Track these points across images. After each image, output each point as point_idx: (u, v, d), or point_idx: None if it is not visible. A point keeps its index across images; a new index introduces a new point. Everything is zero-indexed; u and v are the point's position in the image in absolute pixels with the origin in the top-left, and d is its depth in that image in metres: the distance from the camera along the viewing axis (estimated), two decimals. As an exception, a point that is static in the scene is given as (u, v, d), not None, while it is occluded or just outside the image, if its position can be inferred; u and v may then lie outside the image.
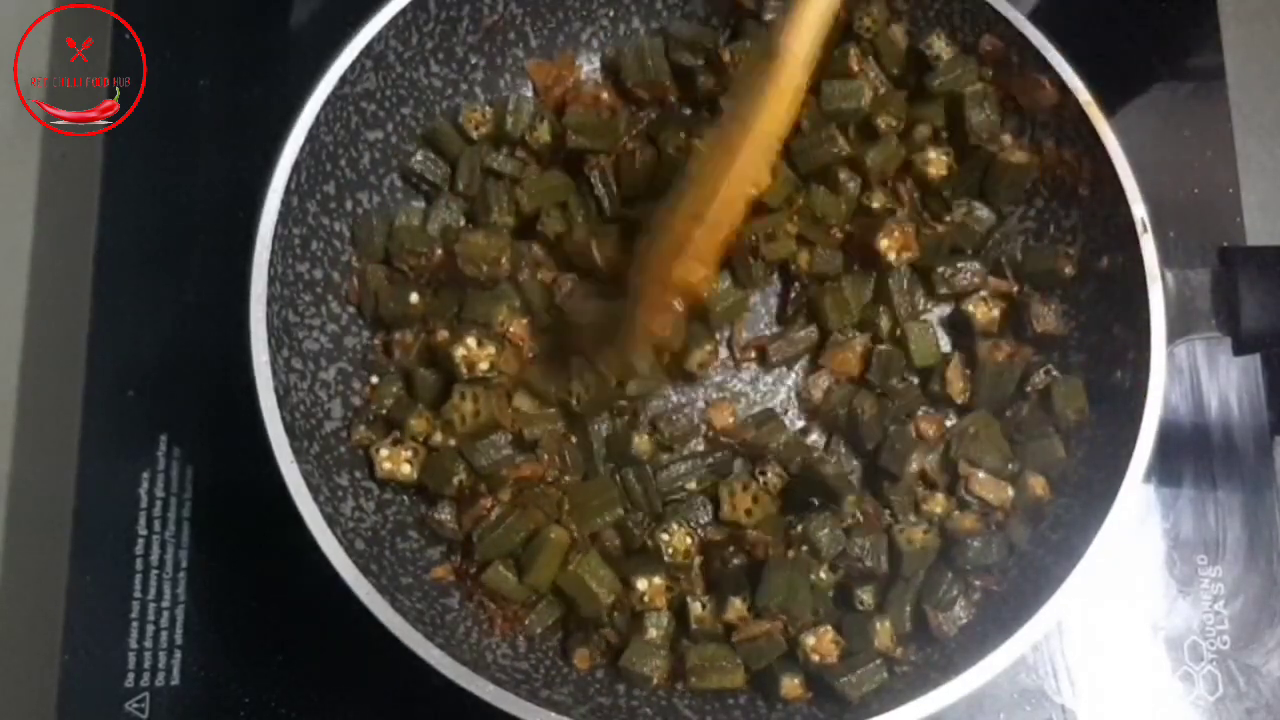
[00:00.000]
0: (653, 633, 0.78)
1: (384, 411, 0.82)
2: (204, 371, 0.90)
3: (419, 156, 0.88)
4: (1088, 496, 0.77)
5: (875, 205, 0.86)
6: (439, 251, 0.84)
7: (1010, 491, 0.81)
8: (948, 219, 0.87)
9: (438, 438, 0.81)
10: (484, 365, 0.80)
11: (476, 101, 0.91)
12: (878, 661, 0.75)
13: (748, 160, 0.71)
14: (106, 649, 0.84)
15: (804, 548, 0.78)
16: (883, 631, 0.77)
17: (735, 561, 0.79)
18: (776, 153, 0.74)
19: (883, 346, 0.84)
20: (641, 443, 0.81)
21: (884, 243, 0.84)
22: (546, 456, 0.81)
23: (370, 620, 0.71)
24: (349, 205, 0.85)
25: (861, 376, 0.84)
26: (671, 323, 0.75)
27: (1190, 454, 0.90)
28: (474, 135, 0.89)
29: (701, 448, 0.84)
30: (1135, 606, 0.87)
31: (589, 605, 0.77)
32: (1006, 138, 0.87)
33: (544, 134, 0.88)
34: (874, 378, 0.84)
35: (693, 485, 0.82)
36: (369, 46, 0.82)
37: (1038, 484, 0.80)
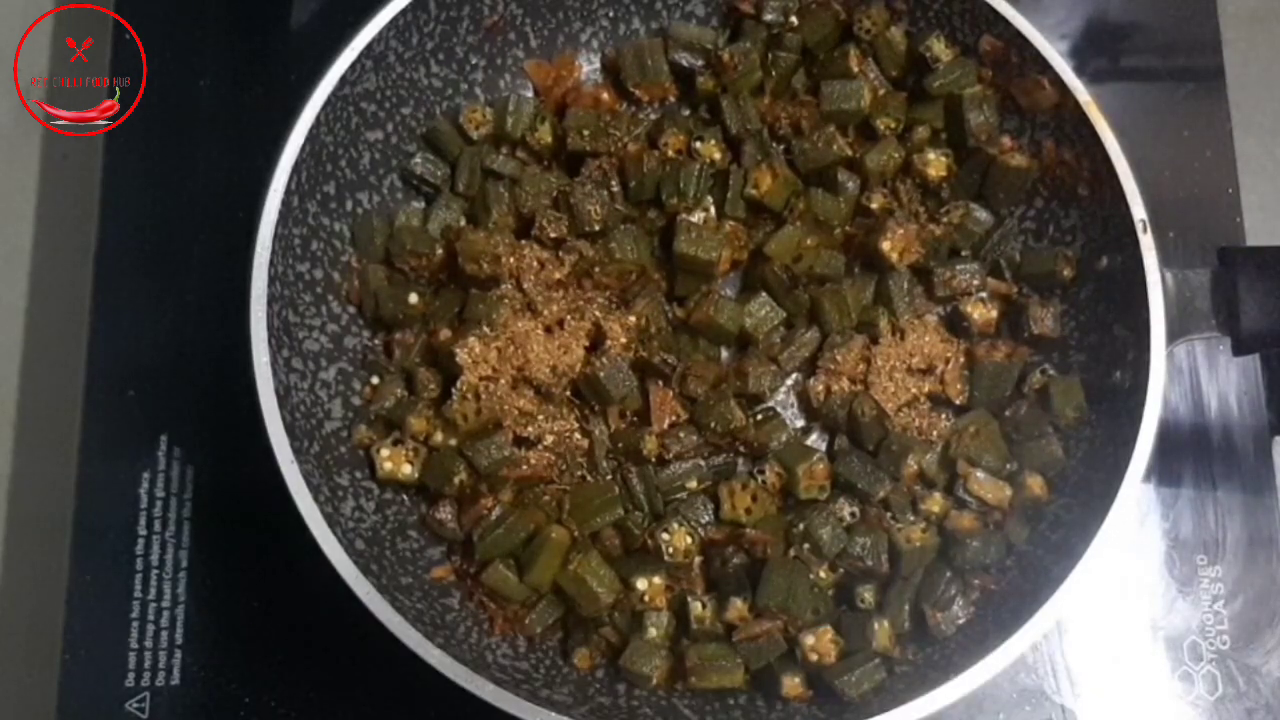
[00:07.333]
0: (653, 632, 0.78)
1: (384, 411, 0.82)
2: (204, 371, 0.90)
3: (419, 157, 0.88)
4: (1087, 496, 0.77)
5: (875, 206, 0.86)
6: (439, 251, 0.84)
7: (1008, 491, 0.81)
8: (945, 220, 0.87)
9: (438, 438, 0.81)
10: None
11: (476, 101, 0.91)
12: (876, 661, 0.75)
13: None
14: (106, 649, 0.85)
15: (805, 546, 0.78)
16: (882, 631, 0.77)
17: (735, 561, 0.79)
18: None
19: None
20: (650, 443, 0.81)
21: (886, 244, 0.84)
22: (548, 456, 0.81)
23: (370, 620, 0.71)
24: (349, 205, 0.85)
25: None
26: None
27: (1190, 454, 0.90)
28: (474, 135, 0.89)
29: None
30: (1135, 606, 0.87)
31: (589, 605, 0.77)
32: (1006, 140, 0.87)
33: (545, 134, 0.88)
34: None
35: (693, 485, 0.82)
36: (369, 46, 0.82)
37: (1036, 484, 0.80)
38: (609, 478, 0.82)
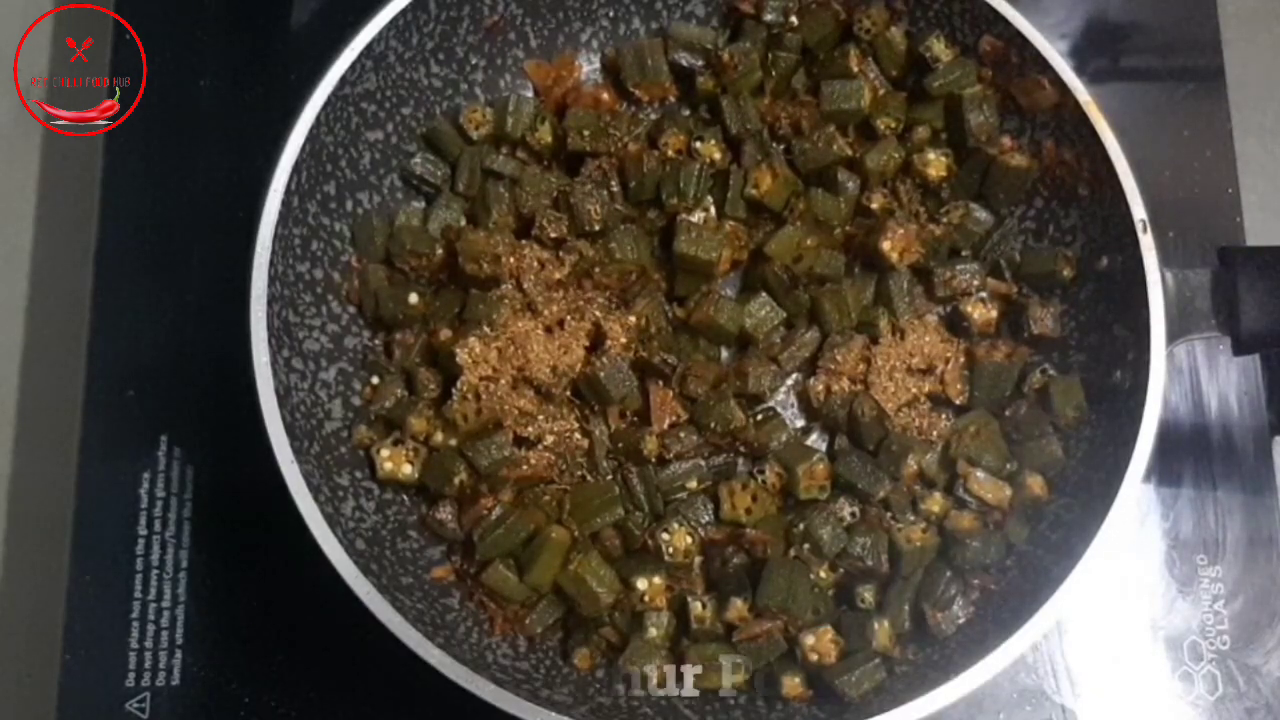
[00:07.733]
0: (653, 632, 0.78)
1: (384, 411, 0.82)
2: (204, 371, 0.90)
3: (419, 157, 0.88)
4: (1087, 496, 0.77)
5: (875, 206, 0.86)
6: (439, 251, 0.84)
7: (1008, 491, 0.81)
8: (945, 220, 0.87)
9: (438, 438, 0.81)
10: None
11: (476, 101, 0.91)
12: (876, 661, 0.75)
13: None
14: (106, 649, 0.85)
15: (805, 546, 0.78)
16: (881, 631, 0.77)
17: (735, 561, 0.79)
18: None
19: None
20: (650, 443, 0.81)
21: (886, 244, 0.84)
22: (548, 456, 0.81)
23: (370, 620, 0.71)
24: (349, 205, 0.85)
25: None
26: None
27: (1190, 454, 0.90)
28: (474, 135, 0.89)
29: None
30: (1135, 606, 0.87)
31: (589, 605, 0.77)
32: (1005, 140, 0.87)
33: (545, 134, 0.88)
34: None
35: (693, 485, 0.82)
36: (369, 46, 0.82)
37: (1036, 483, 0.80)
38: (609, 478, 0.82)
